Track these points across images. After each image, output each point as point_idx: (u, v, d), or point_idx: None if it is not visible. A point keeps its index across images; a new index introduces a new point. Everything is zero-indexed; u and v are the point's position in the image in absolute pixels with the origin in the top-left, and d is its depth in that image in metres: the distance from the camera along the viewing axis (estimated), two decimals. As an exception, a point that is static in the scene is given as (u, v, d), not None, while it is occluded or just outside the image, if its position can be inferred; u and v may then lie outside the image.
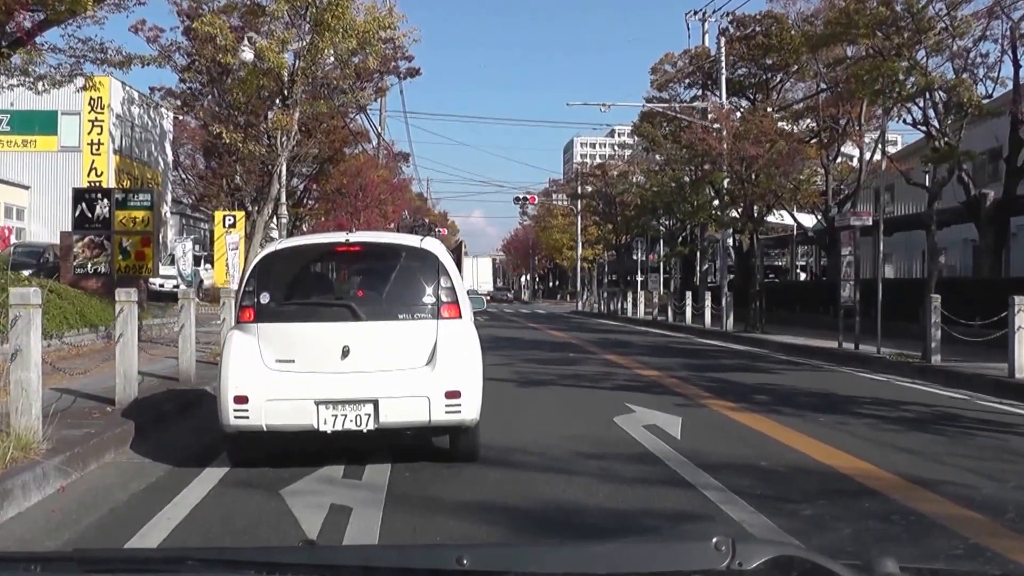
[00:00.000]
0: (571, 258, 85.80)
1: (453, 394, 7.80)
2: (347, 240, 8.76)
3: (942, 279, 30.36)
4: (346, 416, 7.72)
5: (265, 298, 8.18)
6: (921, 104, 19.65)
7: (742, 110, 36.64)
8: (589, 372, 17.39)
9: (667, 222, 46.68)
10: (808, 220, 41.34)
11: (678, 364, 19.18)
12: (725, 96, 35.87)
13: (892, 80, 18.79)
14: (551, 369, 17.74)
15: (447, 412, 7.80)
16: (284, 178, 23.18)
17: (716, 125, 32.07)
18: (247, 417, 7.72)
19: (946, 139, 19.43)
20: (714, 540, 2.01)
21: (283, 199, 23.36)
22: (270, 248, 9.04)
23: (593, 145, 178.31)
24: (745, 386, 15.14)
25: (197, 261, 41.35)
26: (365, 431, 7.77)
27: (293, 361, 7.92)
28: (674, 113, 39.13)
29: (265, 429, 7.78)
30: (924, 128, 19.88)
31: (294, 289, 8.69)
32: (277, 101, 18.44)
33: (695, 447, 9.17)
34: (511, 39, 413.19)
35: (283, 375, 7.86)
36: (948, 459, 8.90)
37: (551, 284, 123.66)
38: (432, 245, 8.71)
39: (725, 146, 29.92)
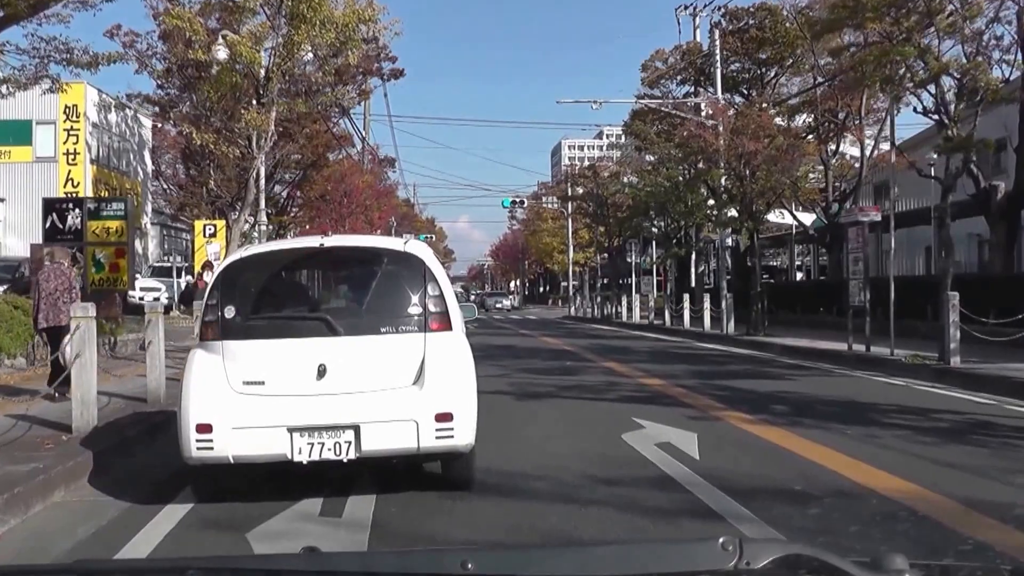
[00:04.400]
0: (561, 262, 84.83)
1: (444, 417, 6.97)
2: (322, 245, 8.08)
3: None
4: (323, 444, 6.91)
5: (230, 312, 7.35)
6: (933, 91, 18.72)
7: (736, 106, 35.70)
8: (590, 382, 16.39)
9: (660, 223, 45.65)
10: (805, 218, 40.41)
11: (682, 371, 18.21)
12: (720, 90, 34.81)
13: (904, 65, 17.87)
14: (550, 380, 16.71)
15: (438, 437, 6.97)
16: (262, 182, 22.18)
17: (711, 121, 31.05)
18: (211, 448, 6.91)
19: (956, 127, 18.55)
20: (721, 540, 1.99)
21: (262, 204, 22.39)
22: (235, 256, 8.18)
23: (581, 147, 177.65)
24: (758, 394, 14.17)
25: (179, 272, 40.19)
26: (345, 460, 6.94)
27: (263, 383, 7.12)
28: (668, 109, 38.17)
29: (232, 460, 6.95)
30: (936, 116, 18.95)
31: (263, 301, 7.89)
32: (253, 102, 17.38)
33: (717, 468, 8.21)
34: (497, 39, 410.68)
35: (252, 399, 7.06)
36: (996, 475, 8.02)
37: (541, 289, 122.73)
38: (417, 248, 7.85)
39: (722, 142, 28.92)
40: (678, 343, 28.73)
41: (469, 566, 1.98)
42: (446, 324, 7.43)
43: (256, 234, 23.33)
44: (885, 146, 35.19)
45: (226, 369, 7.14)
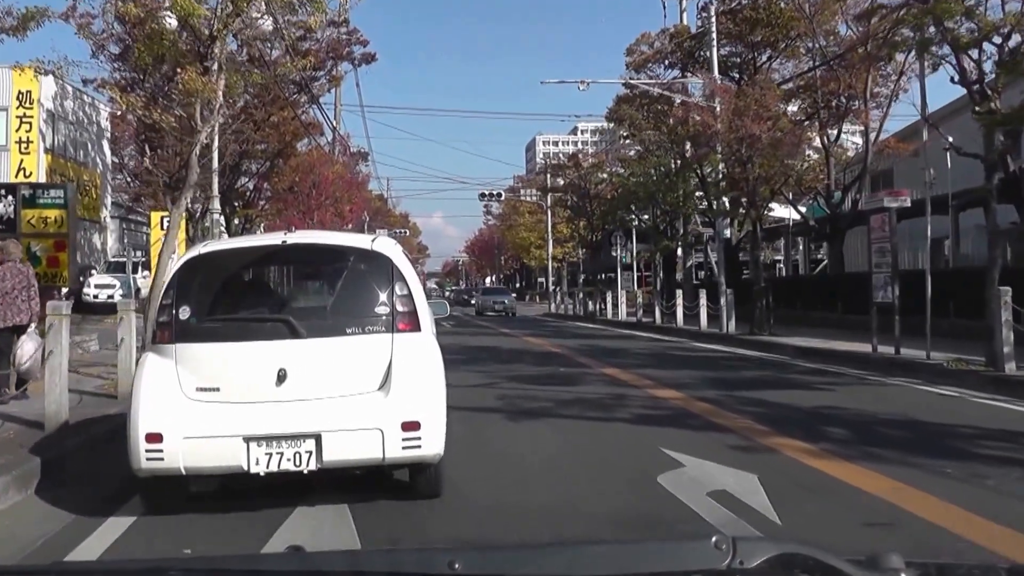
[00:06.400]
0: (539, 257, 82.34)
1: (411, 425, 6.59)
2: (284, 241, 7.52)
3: (962, 269, 27.36)
4: (282, 454, 6.50)
5: (185, 313, 6.95)
6: (976, 56, 16.43)
7: (736, 85, 33.26)
8: (592, 394, 13.86)
9: (647, 215, 43.24)
10: (791, 211, 38.00)
11: (695, 379, 15.79)
12: (717, 70, 32.28)
13: (943, 28, 15.60)
14: (544, 391, 14.20)
15: (404, 447, 6.58)
16: (215, 162, 19.62)
17: (709, 103, 28.55)
18: (162, 459, 6.47)
19: (999, 99, 16.38)
20: (714, 539, 1.96)
21: (215, 189, 19.87)
22: (192, 253, 7.65)
23: (556, 143, 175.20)
24: (800, 412, 11.78)
25: (134, 268, 37.50)
26: (306, 472, 6.53)
27: (218, 389, 6.73)
28: (660, 91, 35.68)
29: (184, 472, 6.54)
30: (977, 87, 16.65)
31: (221, 301, 7.47)
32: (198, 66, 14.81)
33: (812, 541, 5.76)
34: (476, 26, 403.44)
35: (206, 407, 6.66)
36: None
37: (518, 284, 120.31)
38: (385, 246, 7.50)
39: (719, 124, 26.45)
40: (675, 344, 26.21)
41: (457, 566, 1.94)
42: (414, 325, 7.05)
43: (208, 223, 20.92)
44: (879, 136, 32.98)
45: (179, 374, 6.75)
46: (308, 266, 8.01)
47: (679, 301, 31.70)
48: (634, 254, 49.60)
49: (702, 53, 35.64)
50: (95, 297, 32.51)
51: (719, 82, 30.24)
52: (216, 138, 19.64)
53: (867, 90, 29.57)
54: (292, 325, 6.83)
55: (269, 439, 6.47)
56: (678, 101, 33.53)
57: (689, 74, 36.85)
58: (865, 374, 16.68)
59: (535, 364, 19.48)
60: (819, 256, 51.45)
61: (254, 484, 6.64)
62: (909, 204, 18.49)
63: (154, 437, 6.46)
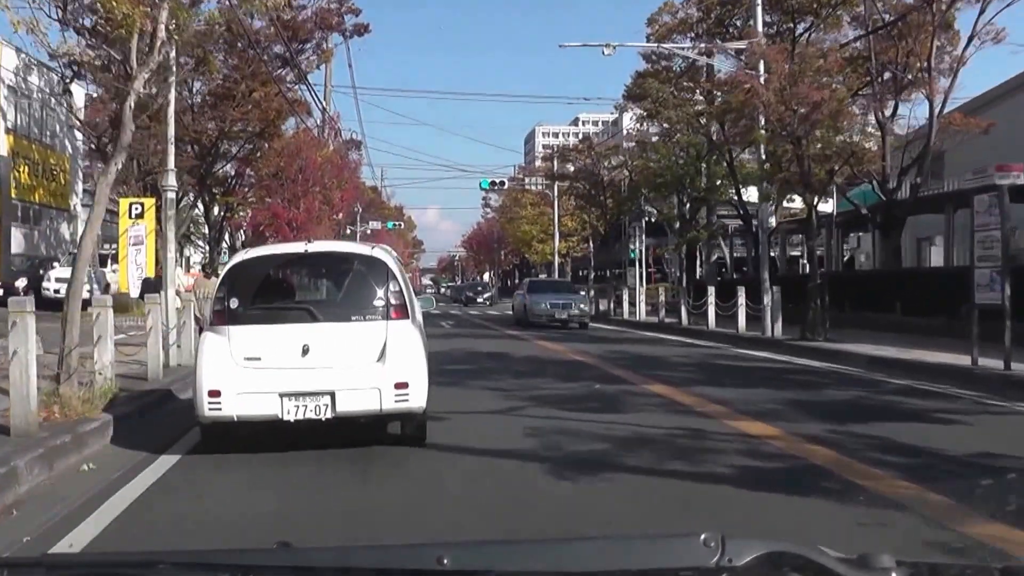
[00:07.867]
0: (542, 252, 78.64)
1: (401, 385, 8.52)
2: (306, 250, 9.82)
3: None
4: (307, 406, 8.46)
5: (234, 303, 8.98)
6: None
7: (792, 43, 29.49)
8: (654, 428, 10.14)
9: (670, 203, 39.69)
10: (832, 199, 34.43)
11: (776, 403, 12.11)
12: (761, 30, 28.37)
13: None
14: (587, 423, 10.45)
15: (396, 401, 8.53)
16: (171, 129, 16.21)
17: (753, 72, 24.81)
18: (220, 408, 8.48)
19: None
20: (703, 536, 1.92)
21: (171, 163, 16.37)
22: (236, 259, 10.07)
23: (556, 135, 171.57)
24: (961, 463, 8.13)
25: (103, 261, 33.90)
26: (324, 419, 8.49)
27: (260, 359, 8.67)
28: (695, 56, 32.00)
29: (236, 419, 8.53)
30: None
31: (259, 294, 9.42)
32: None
33: None
34: (475, 6, 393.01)
35: (251, 371, 8.60)
36: None
37: (517, 280, 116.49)
38: (381, 253, 9.65)
39: (768, 93, 22.67)
40: (716, 351, 22.39)
41: (445, 561, 1.95)
42: (404, 314, 9.12)
43: (163, 203, 17.47)
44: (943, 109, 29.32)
45: (231, 348, 8.74)
46: (323, 268, 10.09)
47: (711, 300, 28.12)
48: (643, 248, 46.15)
49: (733, 21, 32.17)
50: (56, 292, 29.07)
51: (763, 41, 26.18)
52: (172, 98, 16.24)
53: (931, 55, 25.94)
54: (312, 312, 9.08)
55: (297, 395, 8.47)
56: (704, 72, 29.94)
57: (719, 40, 33.21)
58: (978, 396, 13.21)
59: (562, 379, 15.74)
60: (843, 250, 47.88)
61: None
62: (1023, 181, 15.04)
63: (215, 392, 8.48)
